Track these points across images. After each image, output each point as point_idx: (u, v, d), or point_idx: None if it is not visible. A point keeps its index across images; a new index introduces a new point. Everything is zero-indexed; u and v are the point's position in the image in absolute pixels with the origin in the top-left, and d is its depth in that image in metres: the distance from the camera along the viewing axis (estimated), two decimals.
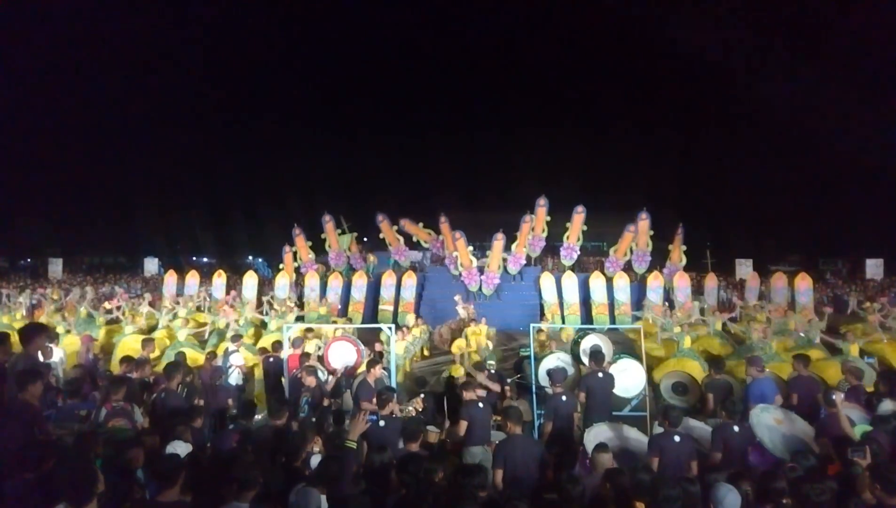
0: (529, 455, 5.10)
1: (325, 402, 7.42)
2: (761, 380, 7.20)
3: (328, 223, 20.76)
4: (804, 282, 17.77)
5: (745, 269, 26.81)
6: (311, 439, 5.09)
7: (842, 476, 4.33)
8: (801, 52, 39.76)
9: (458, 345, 11.22)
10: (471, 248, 19.16)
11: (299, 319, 15.48)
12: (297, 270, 20.62)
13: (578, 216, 19.24)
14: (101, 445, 4.50)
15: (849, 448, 4.30)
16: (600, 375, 7.36)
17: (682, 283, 18.04)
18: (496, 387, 7.69)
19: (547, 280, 18.35)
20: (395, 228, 21.03)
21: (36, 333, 5.00)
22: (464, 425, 6.06)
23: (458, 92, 51.31)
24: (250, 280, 19.23)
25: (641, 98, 46.66)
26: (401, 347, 11.41)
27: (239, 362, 9.49)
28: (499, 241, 18.56)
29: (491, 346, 12.05)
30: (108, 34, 42.23)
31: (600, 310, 18.01)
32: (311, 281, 19.02)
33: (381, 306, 18.74)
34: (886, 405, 6.13)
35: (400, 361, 10.89)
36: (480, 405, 6.26)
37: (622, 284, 18.17)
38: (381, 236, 21.09)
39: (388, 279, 19.17)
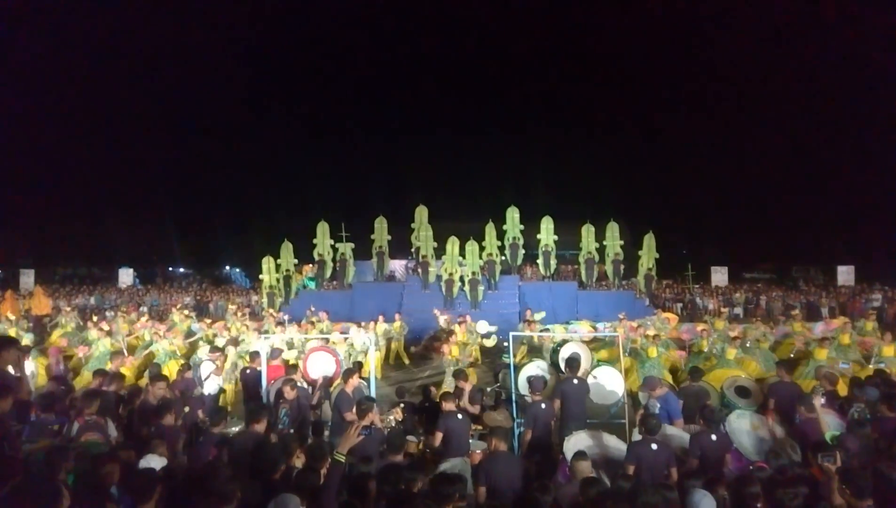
0: (512, 472, 5.04)
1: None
2: (666, 396, 7.11)
3: (321, 232, 20.90)
4: None
5: (720, 276, 27.26)
6: (295, 452, 5.00)
7: (812, 479, 4.39)
8: (775, 60, 40.65)
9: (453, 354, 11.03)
10: (460, 258, 19.42)
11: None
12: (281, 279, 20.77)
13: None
14: (73, 460, 4.40)
15: (819, 454, 4.37)
16: (575, 381, 7.36)
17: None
18: (475, 409, 7.54)
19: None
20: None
21: (4, 347, 4.87)
22: (439, 436, 6.01)
23: (435, 97, 51.64)
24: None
25: (617, 106, 47.30)
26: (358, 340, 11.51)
27: (213, 369, 9.34)
28: (471, 249, 18.96)
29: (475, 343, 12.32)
30: (81, 44, 41.69)
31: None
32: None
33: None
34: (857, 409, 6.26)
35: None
36: (459, 416, 6.20)
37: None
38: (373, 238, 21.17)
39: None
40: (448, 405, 6.32)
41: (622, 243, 20.06)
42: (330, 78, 53.55)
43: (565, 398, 7.20)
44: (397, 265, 24.31)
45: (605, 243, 20.20)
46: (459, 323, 13.52)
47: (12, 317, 15.21)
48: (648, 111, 46.84)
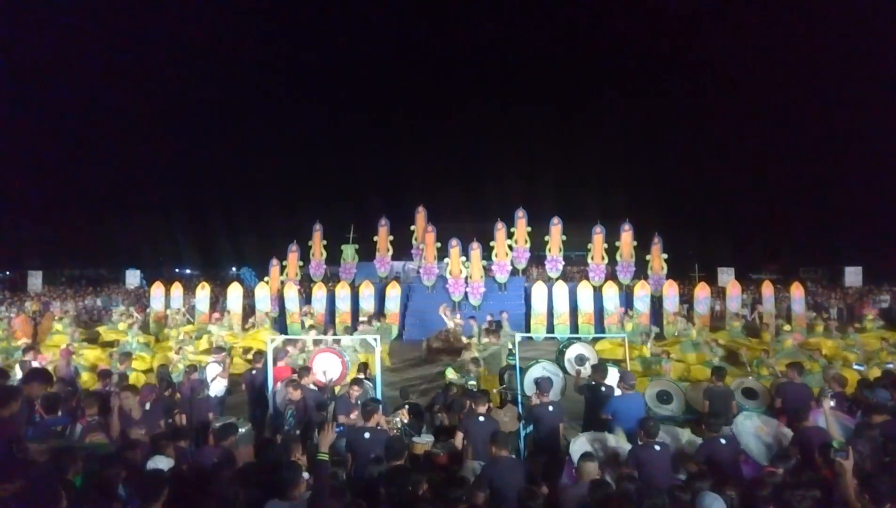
0: (515, 478, 4.88)
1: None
2: (629, 395, 6.95)
3: (317, 233, 20.76)
4: (798, 291, 18.00)
5: (727, 277, 27.11)
6: (295, 452, 5.01)
7: (824, 482, 4.34)
8: (782, 60, 40.45)
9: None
10: (463, 258, 19.16)
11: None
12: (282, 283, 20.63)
13: (556, 228, 19.55)
14: (79, 461, 4.39)
15: (831, 450, 4.32)
16: (603, 389, 7.27)
17: (671, 292, 18.18)
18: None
19: (539, 290, 18.42)
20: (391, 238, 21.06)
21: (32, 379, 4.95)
22: (460, 437, 5.94)
23: (435, 98, 51.65)
24: (234, 292, 18.99)
25: (623, 107, 47.14)
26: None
27: (219, 370, 9.31)
28: (475, 251, 18.75)
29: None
30: (87, 43, 41.88)
31: (586, 319, 18.12)
32: (290, 292, 18.85)
33: (360, 319, 17.22)
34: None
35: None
36: (481, 418, 6.04)
37: (611, 293, 18.27)
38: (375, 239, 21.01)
39: (366, 290, 19.05)
40: (478, 408, 6.15)
41: (636, 243, 19.90)
42: (337, 77, 53.64)
43: (592, 404, 7.13)
44: (401, 266, 24.22)
45: (617, 243, 20.08)
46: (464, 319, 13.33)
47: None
48: (655, 112, 46.67)
